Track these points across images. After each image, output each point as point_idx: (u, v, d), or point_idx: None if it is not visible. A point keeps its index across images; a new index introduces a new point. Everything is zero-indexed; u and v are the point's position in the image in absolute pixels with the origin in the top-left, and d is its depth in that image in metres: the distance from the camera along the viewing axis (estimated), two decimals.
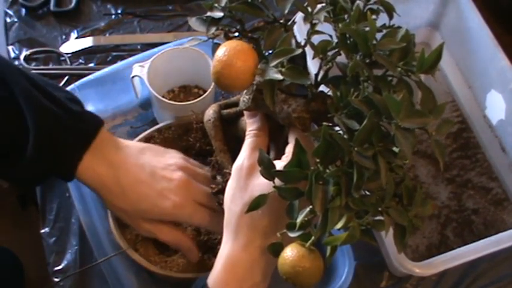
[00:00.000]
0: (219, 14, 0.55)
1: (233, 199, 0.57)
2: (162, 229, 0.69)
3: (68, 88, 0.83)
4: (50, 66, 0.95)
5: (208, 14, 0.55)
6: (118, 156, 0.66)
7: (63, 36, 0.99)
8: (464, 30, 0.91)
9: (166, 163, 0.69)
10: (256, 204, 0.51)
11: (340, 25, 0.52)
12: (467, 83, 0.95)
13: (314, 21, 0.53)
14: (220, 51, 0.52)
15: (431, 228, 0.86)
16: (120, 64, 0.86)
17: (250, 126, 0.60)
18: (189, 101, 0.79)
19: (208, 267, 0.71)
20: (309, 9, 0.53)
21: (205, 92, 0.82)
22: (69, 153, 0.63)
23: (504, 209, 0.89)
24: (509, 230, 0.77)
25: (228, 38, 0.56)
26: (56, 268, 0.81)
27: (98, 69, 0.88)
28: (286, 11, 0.53)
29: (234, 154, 0.63)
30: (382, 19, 0.55)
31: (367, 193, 0.48)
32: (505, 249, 0.75)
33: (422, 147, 0.91)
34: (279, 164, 0.54)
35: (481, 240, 0.76)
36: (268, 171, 0.51)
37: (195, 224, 0.71)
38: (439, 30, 0.98)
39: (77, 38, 0.98)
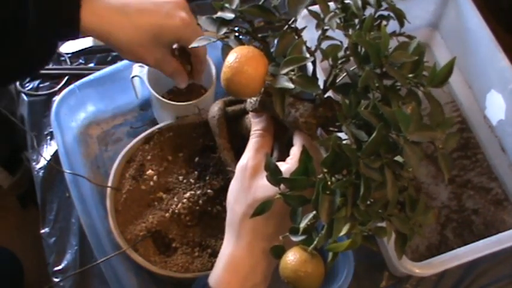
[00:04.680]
0: (229, 15, 0.55)
1: (236, 199, 0.57)
2: (167, 56, 0.71)
3: (68, 88, 0.83)
4: (50, 66, 0.95)
5: (219, 14, 0.55)
6: None
7: None
8: (464, 30, 0.91)
9: None
10: (261, 209, 0.51)
11: (351, 32, 0.51)
12: (467, 83, 0.96)
13: (325, 28, 0.53)
14: (231, 57, 0.51)
15: (431, 228, 0.86)
16: (120, 64, 0.86)
17: (256, 126, 0.60)
18: (189, 100, 0.79)
19: (208, 267, 0.72)
20: (321, 15, 0.53)
21: (205, 91, 0.82)
22: (66, 5, 0.63)
23: (504, 209, 0.89)
24: (509, 230, 0.77)
25: (238, 40, 0.56)
26: (56, 268, 0.81)
27: (98, 69, 0.88)
28: (297, 15, 0.53)
29: (237, 152, 0.63)
30: (391, 23, 0.55)
31: (371, 200, 0.48)
32: (505, 249, 0.75)
33: (422, 147, 0.91)
34: (283, 167, 0.54)
35: (481, 240, 0.76)
36: (275, 178, 0.51)
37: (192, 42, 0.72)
38: (439, 30, 0.98)
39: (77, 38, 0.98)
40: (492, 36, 0.86)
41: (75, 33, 0.65)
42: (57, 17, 0.63)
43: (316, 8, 0.53)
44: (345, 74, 0.53)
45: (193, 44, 0.57)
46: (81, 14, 0.63)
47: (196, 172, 0.77)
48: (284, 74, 0.50)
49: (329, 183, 0.47)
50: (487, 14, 0.89)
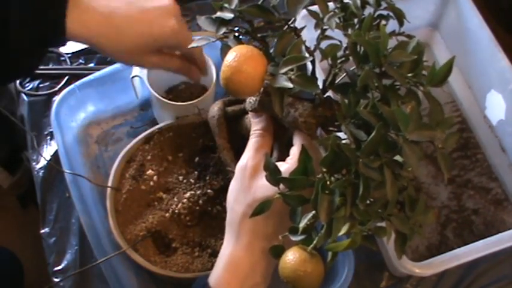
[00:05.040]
0: (229, 15, 0.55)
1: (236, 199, 0.57)
2: (165, 58, 0.70)
3: (68, 88, 0.83)
4: (50, 66, 0.95)
5: (218, 14, 0.55)
6: (101, 1, 0.64)
7: None
8: (464, 30, 0.91)
9: None
10: (260, 209, 0.51)
11: (350, 31, 0.51)
12: (467, 83, 0.96)
13: (324, 27, 0.53)
14: (230, 57, 0.51)
15: (431, 228, 0.86)
16: (120, 64, 0.86)
17: (255, 125, 0.60)
18: (189, 100, 0.79)
19: (208, 267, 0.72)
20: (320, 14, 0.53)
21: (205, 91, 0.82)
22: (51, 13, 0.60)
23: (504, 209, 0.89)
24: (509, 230, 0.77)
25: (237, 40, 0.55)
26: (56, 268, 0.81)
27: (98, 69, 0.88)
28: (297, 15, 0.53)
29: (237, 152, 0.63)
30: (390, 23, 0.55)
31: (371, 200, 0.48)
32: (505, 249, 0.75)
33: (422, 147, 0.91)
34: (283, 166, 0.54)
35: (481, 240, 0.76)
36: (274, 177, 0.51)
37: (186, 47, 0.67)
38: (439, 30, 0.98)
39: None
40: (492, 36, 0.86)
41: (62, 40, 0.63)
42: (41, 26, 0.61)
43: (315, 8, 0.53)
44: (344, 74, 0.53)
45: (192, 45, 0.57)
46: (68, 22, 0.61)
47: (196, 172, 0.77)
48: (283, 74, 0.50)
49: (328, 183, 0.47)
50: (487, 14, 0.89)
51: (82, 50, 0.97)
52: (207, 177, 0.76)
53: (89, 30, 0.63)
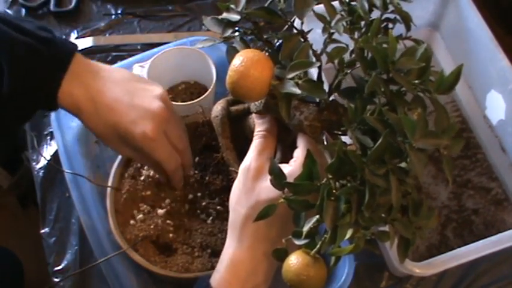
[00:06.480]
0: (235, 17, 0.54)
1: (239, 201, 0.57)
2: (138, 157, 0.68)
3: None
4: None
5: (224, 15, 0.55)
6: (97, 81, 0.64)
7: (63, 37, 0.99)
8: (464, 31, 0.91)
9: (148, 92, 0.66)
10: (264, 213, 0.51)
11: (357, 36, 0.51)
12: (467, 83, 0.96)
13: (332, 31, 0.52)
14: (237, 61, 0.51)
15: (432, 228, 0.86)
16: (120, 64, 0.86)
17: (259, 126, 0.60)
18: (189, 100, 0.79)
19: (208, 268, 0.71)
20: (327, 17, 0.52)
21: (205, 91, 0.82)
22: (46, 82, 0.61)
23: (504, 209, 0.89)
24: (509, 230, 0.77)
25: (243, 42, 0.55)
26: (56, 268, 0.81)
27: None
28: (304, 18, 0.52)
29: (240, 152, 0.62)
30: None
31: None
32: (505, 249, 0.75)
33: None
34: (287, 169, 0.54)
35: (481, 240, 0.76)
36: (279, 182, 0.50)
37: (155, 158, 0.67)
38: (439, 30, 0.98)
39: (77, 38, 0.98)
40: (492, 36, 0.86)
41: (52, 109, 0.64)
42: (33, 96, 0.61)
43: (321, 8, 0.52)
44: (350, 78, 0.53)
45: (198, 45, 0.57)
46: (59, 94, 0.61)
47: (196, 172, 0.77)
48: (290, 79, 0.50)
49: (334, 190, 0.46)
50: (487, 15, 0.89)
51: (82, 50, 0.97)
52: (207, 177, 0.76)
53: (74, 104, 0.63)
